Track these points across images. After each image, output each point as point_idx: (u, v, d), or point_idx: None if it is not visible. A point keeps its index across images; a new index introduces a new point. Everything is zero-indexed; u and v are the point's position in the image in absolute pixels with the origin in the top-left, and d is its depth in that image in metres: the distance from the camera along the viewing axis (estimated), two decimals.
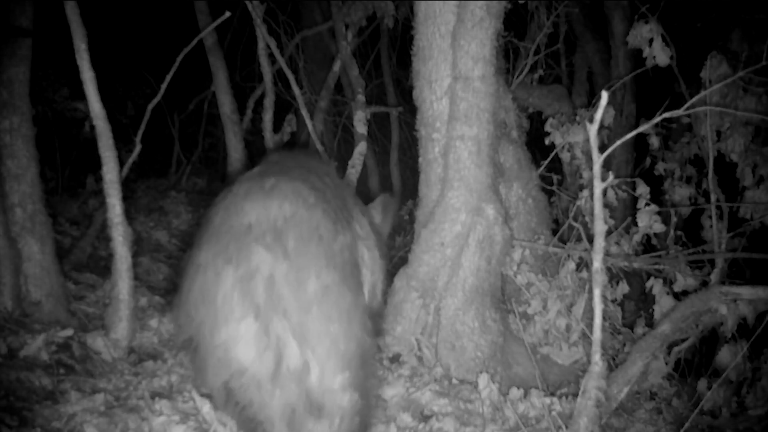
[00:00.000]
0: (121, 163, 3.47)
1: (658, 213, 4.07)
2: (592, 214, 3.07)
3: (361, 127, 5.42)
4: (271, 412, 2.08)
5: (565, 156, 4.72)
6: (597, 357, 2.47)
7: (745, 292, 3.31)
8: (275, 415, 2.08)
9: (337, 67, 6.32)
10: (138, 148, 4.11)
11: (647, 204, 4.10)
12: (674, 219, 4.33)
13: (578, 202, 4.20)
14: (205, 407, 2.75)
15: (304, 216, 2.15)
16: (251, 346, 2.04)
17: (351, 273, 2.25)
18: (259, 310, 2.03)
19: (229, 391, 2.12)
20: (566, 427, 2.74)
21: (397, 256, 6.16)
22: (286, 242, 2.07)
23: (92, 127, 3.37)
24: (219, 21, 4.50)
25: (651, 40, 4.13)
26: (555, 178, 4.77)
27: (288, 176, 2.32)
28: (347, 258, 2.25)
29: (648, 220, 4.04)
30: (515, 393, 3.22)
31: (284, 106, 6.72)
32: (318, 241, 2.13)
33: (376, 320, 2.46)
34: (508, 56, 5.09)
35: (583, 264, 3.89)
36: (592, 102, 5.29)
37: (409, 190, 7.63)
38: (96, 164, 3.46)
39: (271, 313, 2.02)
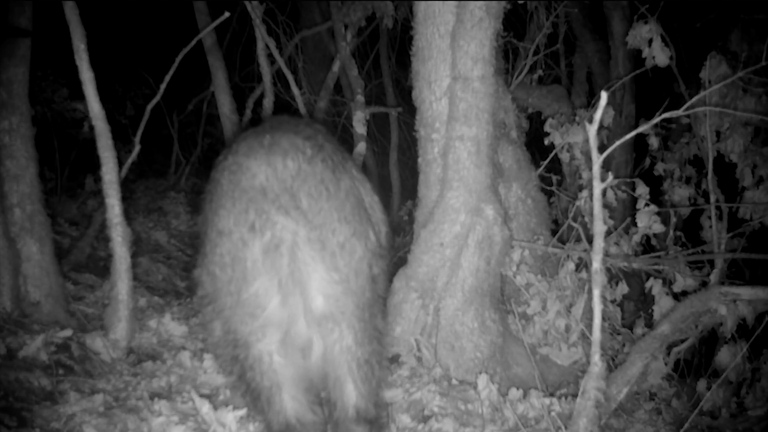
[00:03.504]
0: (120, 163, 3.46)
1: (658, 213, 4.07)
2: (591, 214, 3.07)
3: (360, 128, 5.42)
4: (290, 380, 2.25)
5: (564, 156, 4.72)
6: (596, 357, 2.47)
7: (745, 292, 3.31)
8: (295, 381, 2.26)
9: (336, 67, 6.31)
10: (137, 148, 4.10)
11: (647, 204, 4.10)
12: (674, 219, 4.33)
13: (577, 203, 4.20)
14: (205, 407, 2.74)
15: (308, 170, 2.21)
16: (274, 306, 2.18)
17: (359, 220, 2.32)
18: (282, 284, 2.16)
19: (244, 347, 2.25)
20: (565, 428, 2.74)
21: (396, 256, 6.17)
22: (300, 203, 2.16)
23: (91, 128, 3.36)
24: (218, 21, 4.49)
25: (650, 41, 4.13)
26: (554, 178, 4.78)
27: (281, 130, 2.35)
28: (353, 204, 2.32)
29: (647, 221, 4.04)
30: (514, 393, 3.22)
31: (283, 107, 6.71)
32: (327, 196, 2.22)
33: (383, 257, 2.54)
34: (507, 56, 5.09)
35: (583, 264, 3.89)
36: (591, 102, 5.29)
37: (409, 190, 7.63)
38: (95, 164, 3.46)
39: (291, 286, 2.16)
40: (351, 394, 2.28)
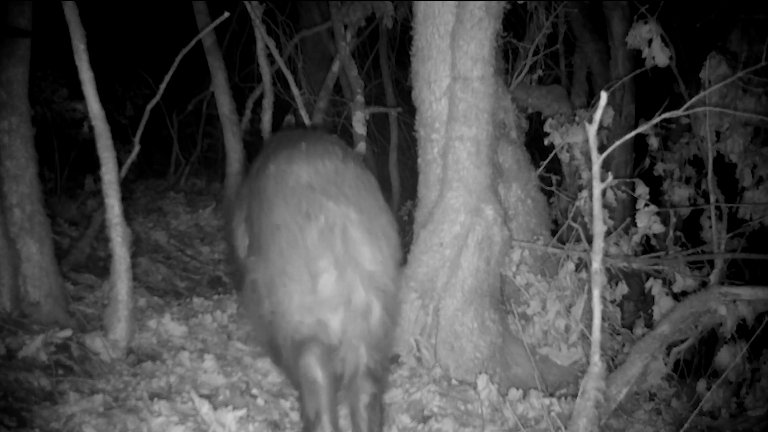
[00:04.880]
0: (120, 163, 3.45)
1: (658, 213, 4.08)
2: (591, 214, 3.07)
3: (359, 128, 5.42)
4: (343, 336, 2.49)
5: (564, 156, 4.73)
6: (596, 358, 2.47)
7: (745, 292, 3.31)
8: (352, 338, 2.50)
9: (335, 67, 6.32)
10: (137, 148, 4.10)
11: (646, 205, 4.10)
12: (673, 220, 4.33)
13: (577, 203, 4.20)
14: (204, 408, 2.75)
15: (344, 168, 2.56)
16: (332, 286, 2.44)
17: (389, 212, 2.68)
18: (338, 261, 2.43)
19: (284, 315, 2.49)
20: (565, 428, 2.74)
21: None
22: (345, 192, 2.48)
23: (91, 128, 3.36)
24: (218, 21, 4.50)
25: (650, 41, 4.13)
26: (554, 178, 4.78)
27: (310, 140, 2.70)
28: (381, 197, 2.68)
29: (647, 221, 4.04)
30: (514, 394, 3.22)
31: (283, 107, 6.71)
32: (363, 187, 2.57)
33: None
34: (507, 57, 5.08)
35: (583, 265, 3.89)
36: (591, 102, 5.29)
37: (408, 190, 7.63)
38: (95, 165, 3.45)
39: (345, 263, 2.43)
40: (364, 354, 2.52)
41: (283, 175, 2.54)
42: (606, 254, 4.02)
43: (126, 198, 3.50)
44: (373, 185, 2.65)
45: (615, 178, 3.55)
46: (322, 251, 2.43)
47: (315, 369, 2.46)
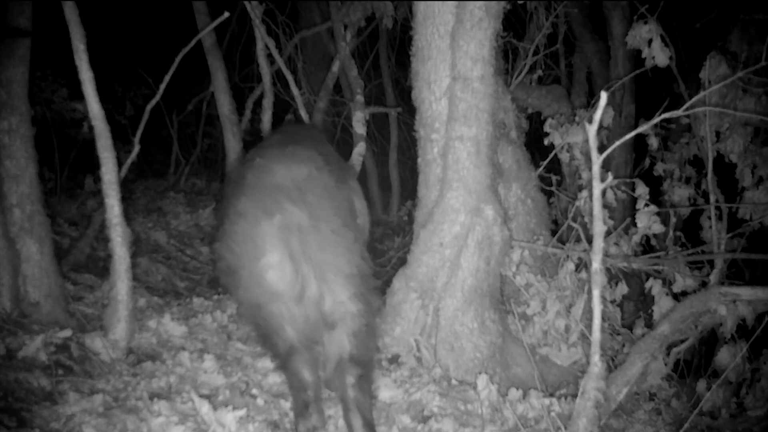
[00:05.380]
0: (120, 163, 3.45)
1: (658, 214, 4.08)
2: (591, 214, 3.07)
3: (359, 128, 5.42)
4: (295, 324, 2.72)
5: (564, 156, 4.72)
6: (596, 358, 2.47)
7: (744, 292, 3.31)
8: (299, 326, 2.72)
9: (335, 67, 6.32)
10: (137, 148, 4.10)
11: (646, 205, 4.10)
12: (673, 220, 4.33)
13: (577, 203, 4.20)
14: (204, 408, 2.74)
15: (317, 176, 2.79)
16: (286, 278, 2.66)
17: (350, 218, 2.93)
18: (293, 255, 2.65)
19: (258, 306, 2.73)
20: (565, 428, 2.74)
21: (396, 256, 6.17)
22: (308, 197, 2.70)
23: (91, 128, 3.35)
24: (218, 21, 4.49)
25: (650, 41, 4.13)
26: (554, 178, 4.77)
27: (302, 144, 3.03)
28: (346, 207, 2.93)
29: (647, 221, 4.04)
30: (514, 394, 3.22)
31: (283, 107, 6.71)
32: (328, 196, 2.78)
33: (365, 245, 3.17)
34: (507, 57, 5.08)
35: (582, 265, 3.89)
36: (591, 102, 5.29)
37: (408, 190, 7.64)
38: (94, 165, 3.46)
39: (300, 257, 2.65)
40: (346, 342, 2.72)
41: (262, 170, 2.82)
42: (606, 254, 4.02)
43: (126, 198, 3.50)
44: (339, 195, 2.89)
45: (615, 178, 3.56)
46: (275, 246, 2.65)
47: (303, 371, 2.73)
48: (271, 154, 2.93)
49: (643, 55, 4.18)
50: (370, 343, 2.83)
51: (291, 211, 2.66)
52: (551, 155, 4.53)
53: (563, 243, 4.06)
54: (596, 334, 2.44)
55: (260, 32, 5.37)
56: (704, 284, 3.64)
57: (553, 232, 4.33)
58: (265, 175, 2.79)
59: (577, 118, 4.62)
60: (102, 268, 4.64)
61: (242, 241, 2.72)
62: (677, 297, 3.67)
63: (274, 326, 2.75)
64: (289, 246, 2.66)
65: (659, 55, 4.12)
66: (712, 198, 4.00)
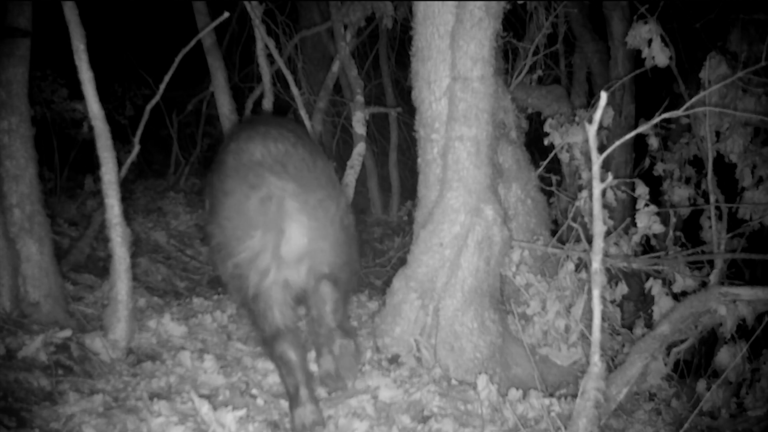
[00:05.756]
0: (120, 163, 3.45)
1: (657, 214, 4.07)
2: (591, 214, 3.07)
3: (359, 128, 5.42)
4: (282, 307, 2.91)
5: (564, 156, 4.72)
6: (596, 358, 2.47)
7: (744, 292, 3.31)
8: (285, 309, 2.92)
9: (335, 67, 6.32)
10: (136, 148, 4.10)
11: (646, 205, 4.10)
12: (673, 220, 4.33)
13: (577, 203, 4.20)
14: (204, 408, 2.74)
15: (293, 151, 2.95)
16: (267, 244, 2.83)
17: (331, 188, 3.08)
18: (272, 223, 2.82)
19: (242, 276, 2.89)
20: (565, 428, 2.74)
21: (396, 257, 6.18)
22: (288, 169, 2.87)
23: (91, 128, 3.35)
24: (218, 21, 4.49)
25: (650, 41, 4.12)
26: (554, 178, 4.77)
27: (271, 125, 3.12)
28: (326, 177, 3.08)
29: (647, 221, 4.04)
30: (514, 394, 3.22)
31: (283, 107, 6.72)
32: (307, 168, 2.95)
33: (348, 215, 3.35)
34: (507, 57, 5.09)
35: (582, 265, 3.89)
36: (591, 102, 5.29)
37: (408, 190, 7.65)
38: (94, 165, 3.46)
39: (277, 224, 2.82)
40: (329, 310, 2.96)
41: (240, 151, 2.97)
42: (606, 254, 4.02)
43: (126, 198, 3.50)
44: (318, 166, 3.03)
45: (615, 178, 3.56)
46: (259, 216, 2.83)
47: (289, 353, 2.88)
48: (245, 136, 3.04)
49: (643, 55, 4.18)
50: (351, 283, 3.25)
51: (276, 183, 2.82)
52: (551, 155, 4.53)
53: (563, 243, 4.06)
54: (596, 334, 2.44)
55: (260, 32, 5.37)
56: (704, 284, 3.64)
57: (553, 232, 4.33)
58: (244, 155, 2.95)
59: (577, 118, 4.62)
60: (102, 268, 4.64)
61: (232, 216, 2.89)
62: (677, 297, 3.67)
63: (261, 309, 2.91)
64: (271, 215, 2.82)
65: (659, 55, 4.11)
66: (712, 198, 4.00)
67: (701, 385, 3.58)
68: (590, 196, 4.00)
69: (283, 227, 2.85)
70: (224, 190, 2.93)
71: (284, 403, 3.04)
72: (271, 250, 2.84)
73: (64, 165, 6.33)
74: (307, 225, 2.89)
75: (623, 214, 4.75)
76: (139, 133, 4.19)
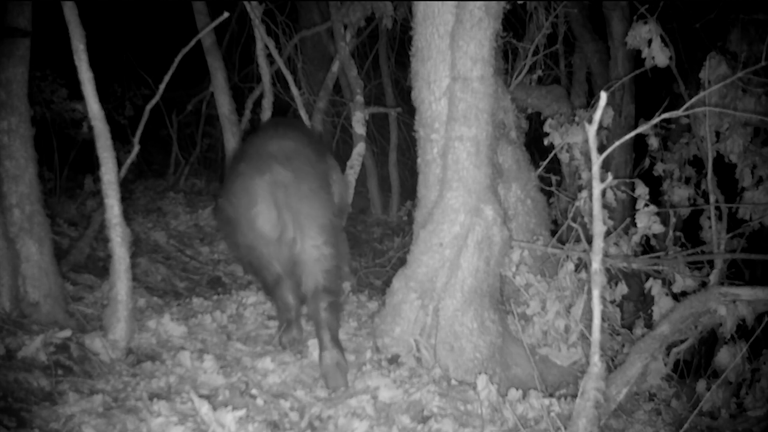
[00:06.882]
0: (120, 163, 3.44)
1: (657, 214, 4.07)
2: (591, 214, 3.07)
3: (359, 128, 5.42)
4: (280, 260, 3.52)
5: (564, 157, 4.72)
6: (596, 358, 2.47)
7: (744, 293, 3.31)
8: (283, 262, 3.53)
9: (335, 67, 6.32)
10: (136, 148, 4.10)
11: (646, 205, 4.10)
12: (673, 220, 4.33)
13: (577, 203, 4.20)
14: (204, 408, 2.74)
15: (302, 150, 3.60)
16: (271, 223, 3.41)
17: (326, 184, 3.70)
18: (278, 205, 3.39)
19: (251, 248, 3.55)
20: (565, 429, 2.74)
21: (395, 257, 6.18)
22: (293, 163, 3.45)
23: (90, 128, 3.35)
24: (217, 21, 4.49)
25: (650, 41, 4.13)
26: (554, 178, 4.77)
27: (291, 128, 4.05)
28: (323, 175, 3.69)
29: (647, 221, 4.04)
30: (514, 394, 3.22)
31: (283, 107, 6.72)
32: (309, 164, 3.55)
33: (338, 213, 4.01)
34: (506, 57, 5.09)
35: (582, 265, 3.89)
36: (591, 103, 5.30)
37: (408, 190, 7.65)
38: (94, 165, 3.46)
39: (283, 207, 3.39)
40: (320, 278, 3.41)
41: (259, 144, 3.68)
42: (606, 254, 4.02)
43: (125, 198, 3.50)
44: (318, 166, 3.65)
45: (615, 178, 3.56)
46: (264, 198, 3.38)
47: (287, 296, 3.66)
48: (266, 134, 3.88)
49: (643, 55, 4.18)
50: (338, 279, 3.58)
51: (279, 171, 3.39)
52: (551, 155, 4.53)
53: (563, 243, 4.06)
54: (596, 335, 2.44)
55: (260, 32, 5.37)
56: (704, 284, 3.64)
57: (553, 232, 4.33)
58: (261, 147, 3.61)
59: (576, 118, 4.62)
60: (102, 268, 4.64)
61: (240, 194, 3.47)
62: (677, 297, 3.67)
63: (264, 263, 3.56)
64: (275, 197, 3.37)
65: (659, 55, 4.12)
66: (712, 198, 4.00)
67: (701, 385, 3.58)
68: (590, 196, 4.00)
69: (288, 206, 3.39)
70: (237, 172, 3.55)
71: (284, 403, 3.04)
72: (276, 222, 3.40)
73: (64, 165, 6.32)
74: (303, 208, 3.42)
75: (623, 214, 4.75)
76: (138, 133, 4.19)
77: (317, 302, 3.36)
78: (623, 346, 3.84)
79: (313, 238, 3.41)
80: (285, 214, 3.39)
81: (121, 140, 5.19)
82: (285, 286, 3.61)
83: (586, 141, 4.38)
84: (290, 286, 3.60)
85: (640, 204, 4.14)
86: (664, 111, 2.93)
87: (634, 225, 4.14)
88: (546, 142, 4.63)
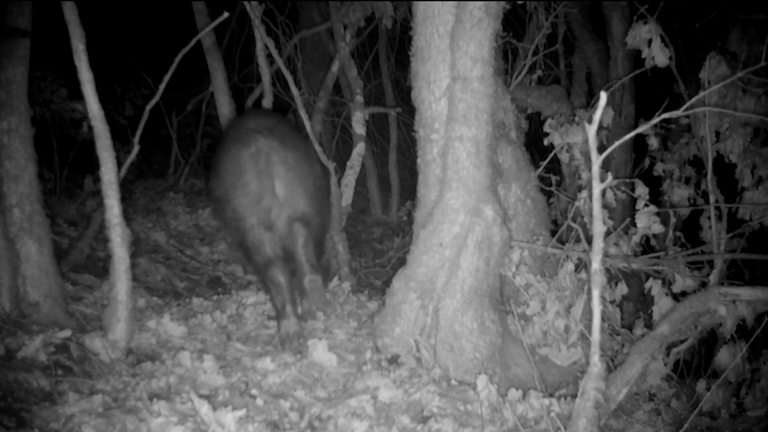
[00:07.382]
0: (119, 163, 3.45)
1: (657, 214, 4.07)
2: (590, 214, 3.07)
3: (359, 128, 5.43)
4: (271, 244, 3.73)
5: (563, 157, 4.72)
6: (596, 358, 2.47)
7: (744, 293, 3.31)
8: (273, 245, 3.75)
9: (335, 67, 6.32)
10: (136, 149, 4.10)
11: (646, 205, 4.10)
12: (673, 220, 4.33)
13: (577, 203, 4.20)
14: (204, 408, 2.74)
15: (279, 126, 3.90)
16: (257, 190, 3.66)
17: (308, 154, 4.01)
18: (260, 173, 3.65)
19: (242, 228, 3.74)
20: (565, 429, 2.74)
21: (395, 257, 6.18)
22: (275, 134, 3.72)
23: (90, 128, 3.35)
24: (217, 21, 4.49)
25: (650, 41, 4.13)
26: (554, 178, 4.77)
27: (267, 112, 4.53)
28: (304, 146, 4.01)
29: (647, 221, 4.04)
30: (514, 394, 3.22)
31: (283, 107, 6.72)
32: (290, 136, 3.86)
33: (320, 190, 4.21)
34: (506, 57, 5.09)
35: (582, 265, 3.89)
36: (590, 103, 5.29)
37: (408, 190, 7.65)
38: (94, 165, 3.47)
39: (265, 174, 3.66)
40: (300, 244, 3.74)
41: (239, 123, 4.09)
42: (606, 254, 4.02)
43: (125, 198, 3.50)
44: (300, 142, 3.97)
45: (615, 178, 3.56)
46: (251, 167, 3.63)
47: (279, 276, 3.73)
48: (245, 116, 4.32)
49: (643, 55, 4.18)
50: (322, 235, 4.08)
51: (263, 141, 3.65)
52: (551, 155, 4.53)
53: (563, 243, 4.06)
54: (596, 335, 2.44)
55: (260, 32, 5.37)
56: (704, 284, 3.64)
57: (553, 232, 4.33)
58: (241, 125, 3.92)
59: (576, 119, 4.62)
60: (102, 268, 4.64)
61: (227, 168, 3.72)
62: (677, 297, 3.67)
63: (255, 245, 3.73)
64: (260, 166, 3.63)
65: (659, 55, 4.12)
66: (711, 198, 4.00)
67: (701, 385, 3.59)
68: (590, 196, 4.00)
69: (273, 175, 3.64)
70: (223, 149, 3.83)
71: (284, 403, 3.04)
72: (270, 192, 3.65)
73: (64, 165, 6.33)
74: (285, 176, 3.68)
75: (623, 214, 4.74)
76: (138, 133, 4.19)
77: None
78: (623, 346, 3.84)
79: (300, 202, 3.72)
80: (270, 180, 3.63)
81: (121, 140, 5.19)
82: (275, 268, 3.72)
83: (586, 141, 4.37)
84: (281, 267, 3.73)
85: (640, 204, 4.14)
86: (664, 111, 2.93)
87: (634, 225, 4.14)
88: (546, 142, 4.63)
